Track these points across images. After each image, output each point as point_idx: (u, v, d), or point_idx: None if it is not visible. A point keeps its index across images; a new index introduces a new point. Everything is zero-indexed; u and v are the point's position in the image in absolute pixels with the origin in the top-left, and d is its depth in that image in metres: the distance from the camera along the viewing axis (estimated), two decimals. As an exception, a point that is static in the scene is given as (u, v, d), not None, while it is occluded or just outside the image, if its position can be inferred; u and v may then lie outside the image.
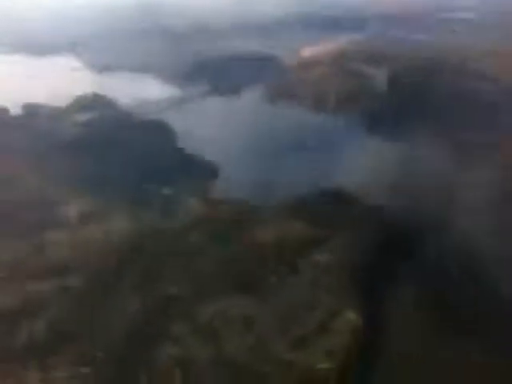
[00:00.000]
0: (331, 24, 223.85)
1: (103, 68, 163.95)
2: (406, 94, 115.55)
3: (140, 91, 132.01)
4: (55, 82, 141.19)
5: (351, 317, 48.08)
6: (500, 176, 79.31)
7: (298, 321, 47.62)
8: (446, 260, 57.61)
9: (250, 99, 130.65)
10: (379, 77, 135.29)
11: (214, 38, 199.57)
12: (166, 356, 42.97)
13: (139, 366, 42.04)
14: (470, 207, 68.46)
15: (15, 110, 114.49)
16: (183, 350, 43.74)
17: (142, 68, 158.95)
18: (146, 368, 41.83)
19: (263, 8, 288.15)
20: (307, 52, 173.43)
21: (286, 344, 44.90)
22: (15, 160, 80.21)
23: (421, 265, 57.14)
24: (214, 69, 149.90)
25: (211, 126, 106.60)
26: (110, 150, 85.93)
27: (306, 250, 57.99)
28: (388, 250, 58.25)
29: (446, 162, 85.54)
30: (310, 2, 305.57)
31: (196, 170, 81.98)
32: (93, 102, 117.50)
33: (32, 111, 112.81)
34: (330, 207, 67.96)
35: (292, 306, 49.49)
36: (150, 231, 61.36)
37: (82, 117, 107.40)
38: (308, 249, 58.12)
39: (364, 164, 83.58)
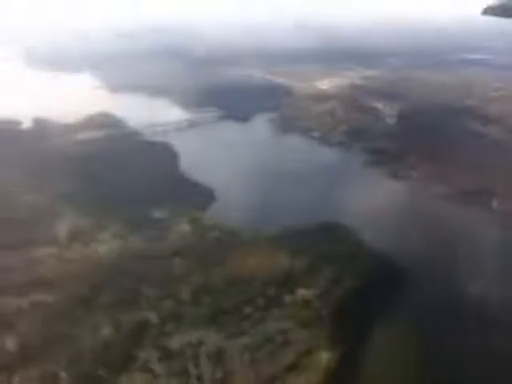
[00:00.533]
0: (347, 58, 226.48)
1: (119, 88, 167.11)
2: (412, 132, 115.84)
3: (151, 113, 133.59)
4: (72, 98, 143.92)
5: (325, 357, 47.11)
6: (492, 222, 78.81)
7: (271, 357, 46.84)
8: (435, 304, 56.25)
9: (259, 127, 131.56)
10: (389, 113, 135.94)
11: (228, 65, 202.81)
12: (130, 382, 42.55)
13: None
14: (463, 251, 67.53)
15: (27, 123, 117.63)
16: (149, 379, 43.22)
17: (157, 90, 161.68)
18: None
19: (281, 39, 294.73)
20: (321, 85, 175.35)
21: (255, 381, 44.14)
22: (16, 172, 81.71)
23: (408, 307, 55.80)
24: (227, 95, 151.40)
25: (216, 152, 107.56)
26: (109, 169, 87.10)
27: (292, 283, 57.40)
28: (375, 288, 57.22)
29: (442, 203, 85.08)
30: (328, 36, 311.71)
31: (193, 195, 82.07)
32: (102, 121, 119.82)
33: (41, 126, 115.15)
34: (321, 240, 67.36)
35: (267, 340, 48.77)
36: (135, 254, 61.28)
37: (88, 135, 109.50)
38: (294, 282, 57.52)
39: (361, 199, 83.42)
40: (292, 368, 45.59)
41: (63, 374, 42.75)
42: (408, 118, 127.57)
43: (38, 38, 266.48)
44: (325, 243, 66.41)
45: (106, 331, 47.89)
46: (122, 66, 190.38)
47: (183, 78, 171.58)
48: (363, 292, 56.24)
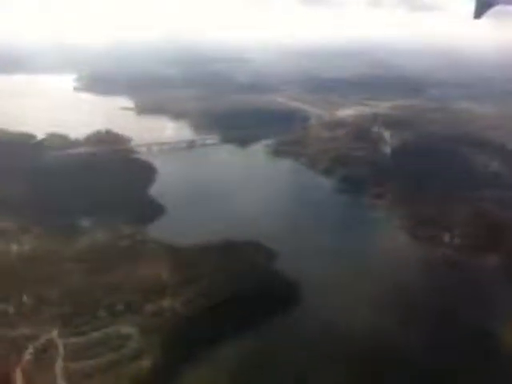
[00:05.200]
0: (392, 87, 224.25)
1: (147, 110, 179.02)
2: (399, 160, 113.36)
3: (158, 133, 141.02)
4: (94, 117, 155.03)
5: (143, 365, 48.42)
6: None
7: (94, 357, 49.08)
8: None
9: (253, 151, 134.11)
10: (389, 142, 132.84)
11: (261, 91, 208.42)
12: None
13: None
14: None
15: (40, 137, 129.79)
16: None
17: (179, 113, 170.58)
18: None
19: (327, 66, 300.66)
20: (341, 113, 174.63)
21: (68, 376, 46.69)
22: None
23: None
24: (241, 120, 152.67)
25: (192, 173, 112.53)
26: (73, 182, 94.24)
27: (159, 293, 59.20)
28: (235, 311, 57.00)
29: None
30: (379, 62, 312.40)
31: (138, 209, 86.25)
32: (106, 138, 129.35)
33: (50, 140, 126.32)
34: (225, 256, 68.72)
35: (100, 343, 51.12)
36: (39, 255, 66.45)
37: (85, 149, 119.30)
38: (162, 293, 59.31)
39: (308, 225, 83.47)
40: (106, 370, 47.47)
41: None
42: (404, 147, 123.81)
43: (95, 64, 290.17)
44: (226, 259, 67.62)
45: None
46: (159, 91, 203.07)
47: (209, 102, 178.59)
48: (224, 312, 56.34)
